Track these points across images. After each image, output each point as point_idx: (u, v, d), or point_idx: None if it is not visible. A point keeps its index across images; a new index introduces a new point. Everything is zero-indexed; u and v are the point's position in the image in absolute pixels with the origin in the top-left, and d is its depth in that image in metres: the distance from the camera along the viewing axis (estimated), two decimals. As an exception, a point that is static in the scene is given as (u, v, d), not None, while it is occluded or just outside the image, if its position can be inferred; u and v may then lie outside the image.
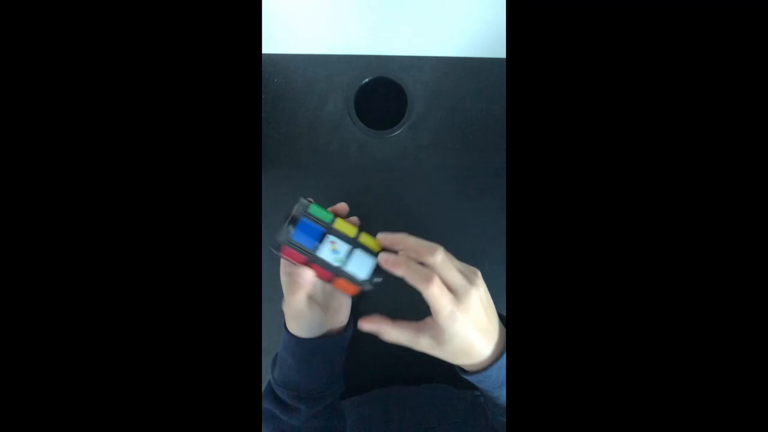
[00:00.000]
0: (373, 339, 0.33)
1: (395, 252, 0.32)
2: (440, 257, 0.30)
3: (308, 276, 0.33)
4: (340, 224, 0.34)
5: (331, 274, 0.33)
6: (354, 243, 0.33)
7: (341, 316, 0.40)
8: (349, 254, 0.33)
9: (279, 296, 0.50)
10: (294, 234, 0.32)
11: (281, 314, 0.49)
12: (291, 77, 0.51)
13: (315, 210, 0.34)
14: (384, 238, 0.33)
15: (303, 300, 0.34)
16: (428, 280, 0.29)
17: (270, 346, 0.49)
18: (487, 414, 0.38)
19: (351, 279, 0.33)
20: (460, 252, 0.49)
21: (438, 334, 0.31)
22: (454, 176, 0.50)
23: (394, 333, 0.33)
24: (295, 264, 0.34)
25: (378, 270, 0.33)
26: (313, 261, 0.32)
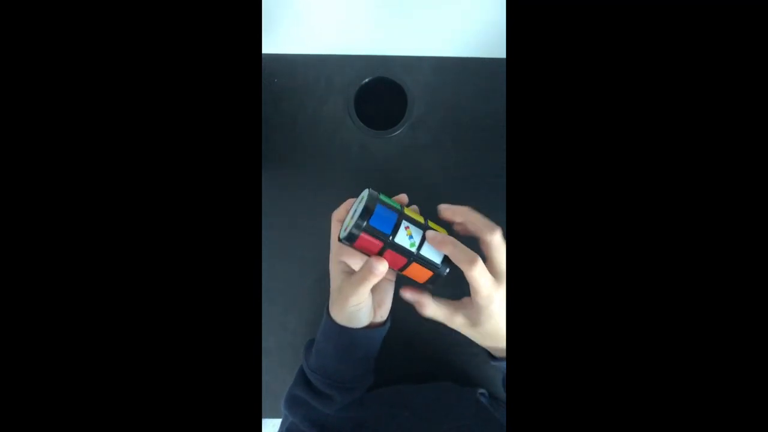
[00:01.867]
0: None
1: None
2: (497, 237, 0.32)
3: (383, 266, 0.32)
4: (408, 211, 0.34)
5: (405, 261, 0.33)
6: (425, 228, 0.34)
7: (383, 310, 0.40)
8: (422, 239, 0.33)
9: (279, 296, 0.50)
10: (372, 220, 0.32)
11: (281, 314, 0.50)
12: (291, 77, 0.51)
13: (385, 198, 0.34)
14: (446, 209, 0.34)
15: (368, 291, 0.34)
16: (472, 261, 0.31)
17: (270, 346, 0.50)
18: (494, 415, 0.38)
19: (426, 264, 0.33)
20: (460, 252, 0.48)
21: (473, 315, 0.32)
22: (454, 176, 0.50)
23: (432, 307, 0.34)
24: (366, 254, 0.34)
25: (447, 258, 0.33)
26: (389, 248, 0.32)
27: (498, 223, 0.34)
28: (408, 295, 0.35)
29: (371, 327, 0.40)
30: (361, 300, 0.35)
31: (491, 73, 0.50)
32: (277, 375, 0.49)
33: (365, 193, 0.34)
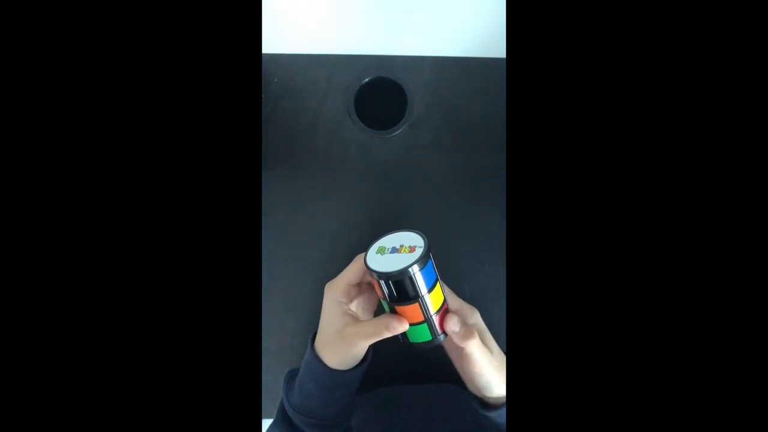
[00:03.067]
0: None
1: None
2: (478, 317, 0.38)
3: (402, 326, 0.32)
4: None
5: (421, 320, 0.33)
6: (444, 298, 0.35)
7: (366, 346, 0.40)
8: (441, 306, 0.34)
9: (279, 296, 0.50)
10: (423, 270, 0.31)
11: (281, 314, 0.50)
12: (291, 77, 0.51)
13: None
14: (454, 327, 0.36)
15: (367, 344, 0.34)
16: (474, 335, 0.34)
17: (270, 346, 0.50)
18: (496, 421, 0.38)
19: (432, 329, 0.34)
20: (460, 252, 0.49)
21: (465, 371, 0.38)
22: (454, 176, 0.50)
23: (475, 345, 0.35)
24: (384, 298, 0.33)
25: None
26: (417, 302, 0.32)
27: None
28: (452, 325, 0.36)
29: (357, 366, 0.38)
30: (363, 350, 0.35)
31: (491, 73, 0.50)
32: (277, 375, 0.49)
33: (415, 236, 0.33)
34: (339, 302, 0.35)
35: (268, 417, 0.49)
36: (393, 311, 0.33)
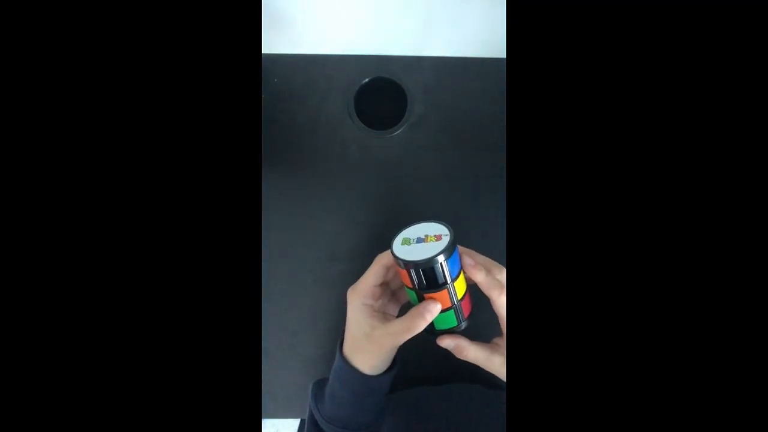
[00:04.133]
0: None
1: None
2: (505, 275, 0.34)
3: (437, 307, 0.33)
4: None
5: (449, 306, 0.34)
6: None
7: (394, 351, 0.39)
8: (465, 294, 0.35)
9: (279, 296, 0.50)
10: (451, 258, 0.32)
11: (281, 314, 0.50)
12: (291, 77, 0.51)
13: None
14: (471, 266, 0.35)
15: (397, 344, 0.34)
16: (502, 289, 0.32)
17: (270, 346, 0.50)
18: None
19: (458, 315, 0.34)
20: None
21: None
22: (454, 176, 0.50)
23: (472, 351, 0.34)
24: (412, 289, 0.34)
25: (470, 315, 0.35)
26: (445, 289, 0.33)
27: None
28: (447, 342, 0.35)
29: (387, 370, 0.38)
30: (396, 350, 0.34)
31: (491, 73, 0.50)
32: (277, 375, 0.49)
33: (438, 226, 0.34)
34: (365, 305, 0.35)
35: (268, 417, 0.49)
36: (421, 300, 0.34)
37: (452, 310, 0.34)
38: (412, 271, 0.32)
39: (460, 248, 0.34)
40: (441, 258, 0.31)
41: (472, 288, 0.35)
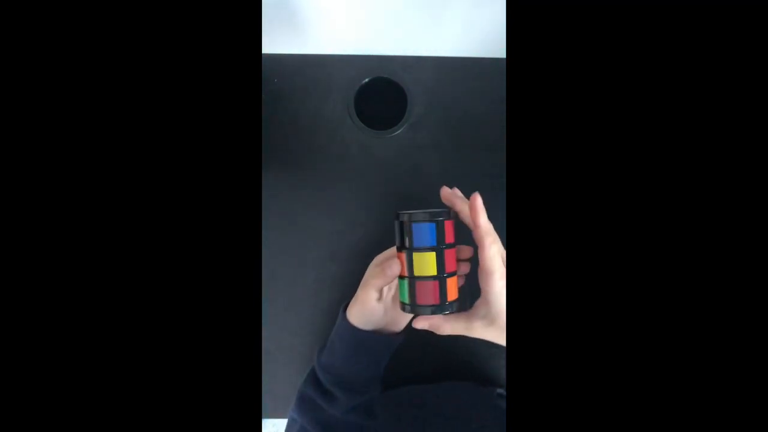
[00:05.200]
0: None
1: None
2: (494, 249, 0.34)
3: (395, 270, 0.35)
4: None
5: (433, 273, 0.34)
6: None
7: (399, 326, 0.42)
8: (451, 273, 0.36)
9: (279, 296, 0.50)
10: (443, 226, 0.34)
11: (281, 314, 0.50)
12: (291, 77, 0.51)
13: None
14: (448, 195, 0.36)
15: (376, 290, 0.37)
16: (495, 238, 0.33)
17: (270, 346, 0.50)
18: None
19: (442, 290, 0.35)
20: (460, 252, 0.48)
21: (488, 313, 0.33)
22: (454, 176, 0.50)
23: (449, 326, 0.35)
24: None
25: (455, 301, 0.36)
26: (431, 251, 0.34)
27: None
28: (421, 323, 0.36)
29: (383, 333, 0.41)
30: (376, 300, 0.37)
31: (491, 73, 0.50)
32: (277, 375, 0.49)
33: (440, 210, 0.36)
34: (374, 265, 0.39)
35: (268, 417, 0.49)
36: (412, 290, 0.34)
37: (437, 281, 0.34)
38: (406, 227, 0.34)
39: (446, 193, 0.36)
40: (438, 219, 0.33)
41: (473, 286, 0.35)
